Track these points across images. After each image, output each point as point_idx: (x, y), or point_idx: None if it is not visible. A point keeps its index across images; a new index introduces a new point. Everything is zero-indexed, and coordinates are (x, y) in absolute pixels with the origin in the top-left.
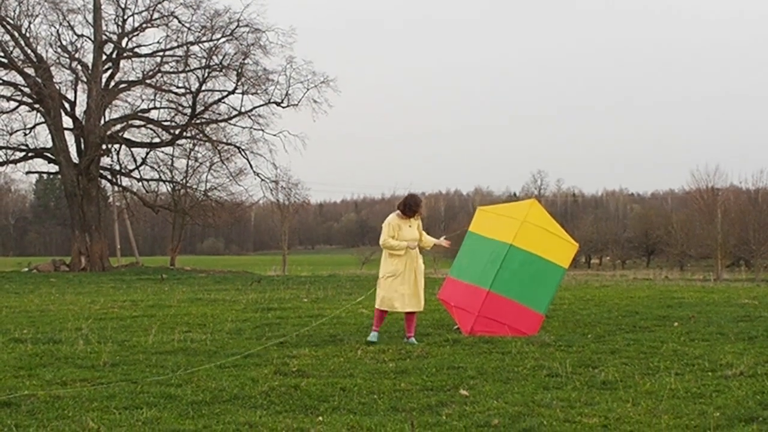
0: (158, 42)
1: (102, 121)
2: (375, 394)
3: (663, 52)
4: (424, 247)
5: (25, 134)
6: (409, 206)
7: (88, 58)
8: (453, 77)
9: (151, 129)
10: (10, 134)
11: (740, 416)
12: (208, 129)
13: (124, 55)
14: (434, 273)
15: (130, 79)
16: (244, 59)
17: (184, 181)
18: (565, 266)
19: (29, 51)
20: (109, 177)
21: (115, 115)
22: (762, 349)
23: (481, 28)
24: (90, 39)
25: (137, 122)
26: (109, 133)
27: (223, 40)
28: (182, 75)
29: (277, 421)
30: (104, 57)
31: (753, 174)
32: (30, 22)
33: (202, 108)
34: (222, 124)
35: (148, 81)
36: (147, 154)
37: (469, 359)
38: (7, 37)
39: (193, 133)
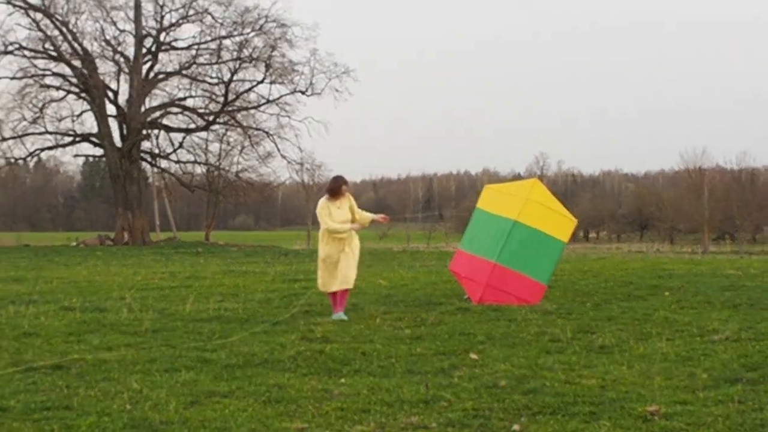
0: (193, 36)
1: (142, 109)
2: (392, 358)
3: (656, 38)
4: (362, 224)
5: (73, 121)
6: (334, 188)
7: (130, 52)
8: (462, 63)
9: (187, 116)
10: (60, 121)
11: (726, 377)
12: (239, 116)
13: (163, 48)
14: (446, 246)
15: (168, 70)
16: (271, 52)
17: (217, 163)
18: (566, 240)
19: (76, 45)
20: (149, 159)
21: (154, 103)
22: (746, 315)
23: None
24: (131, 34)
25: (174, 110)
26: (149, 119)
27: (253, 34)
28: (215, 66)
29: (303, 383)
30: (144, 50)
31: (737, 155)
32: (77, 19)
33: (234, 96)
34: (252, 111)
35: (184, 72)
36: (183, 138)
37: (478, 326)
38: (56, 32)
39: (225, 119)
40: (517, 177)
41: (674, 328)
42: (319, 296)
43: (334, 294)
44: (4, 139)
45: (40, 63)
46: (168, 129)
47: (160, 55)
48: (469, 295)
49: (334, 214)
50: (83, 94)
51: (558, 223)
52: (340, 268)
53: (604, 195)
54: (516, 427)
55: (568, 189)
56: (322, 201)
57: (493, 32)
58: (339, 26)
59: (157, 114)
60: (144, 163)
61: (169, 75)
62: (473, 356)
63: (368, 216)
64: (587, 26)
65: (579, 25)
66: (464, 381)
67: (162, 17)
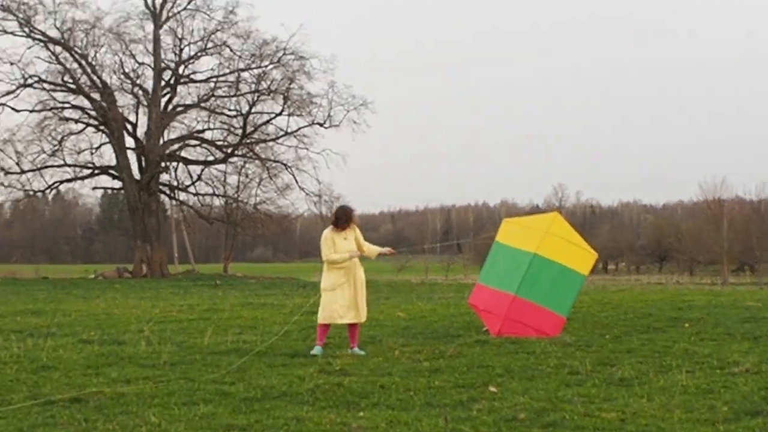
0: (212, 69)
1: (161, 141)
2: (411, 391)
3: (675, 71)
4: (368, 257)
5: (92, 153)
6: (340, 218)
7: (149, 84)
8: (478, 96)
9: (205, 148)
10: (78, 153)
11: (747, 410)
12: (257, 148)
13: (181, 81)
14: (464, 278)
15: (187, 102)
16: (290, 84)
17: (235, 195)
18: (586, 273)
19: (95, 78)
20: (168, 192)
21: (173, 136)
22: (766, 347)
23: (497, 47)
24: (150, 66)
25: (193, 142)
26: (167, 152)
27: (271, 66)
28: (234, 99)
29: (322, 416)
30: (163, 83)
31: (756, 186)
32: (96, 52)
33: (252, 129)
34: (270, 144)
35: (202, 104)
36: (202, 171)
37: (497, 358)
38: (76, 65)
39: (243, 151)
40: (536, 208)
41: (694, 360)
42: (337, 329)
43: (325, 327)
44: (23, 172)
45: (60, 96)
46: (186, 161)
47: (179, 88)
48: (488, 327)
49: (338, 245)
50: (102, 127)
51: (578, 256)
52: (348, 302)
53: (623, 226)
54: None
55: (586, 220)
56: (327, 231)
57: (510, 69)
58: (357, 58)
59: (176, 146)
60: (162, 196)
61: (187, 107)
62: (492, 389)
63: (375, 249)
64: (605, 63)
65: (597, 62)
66: (483, 414)
67: (181, 50)
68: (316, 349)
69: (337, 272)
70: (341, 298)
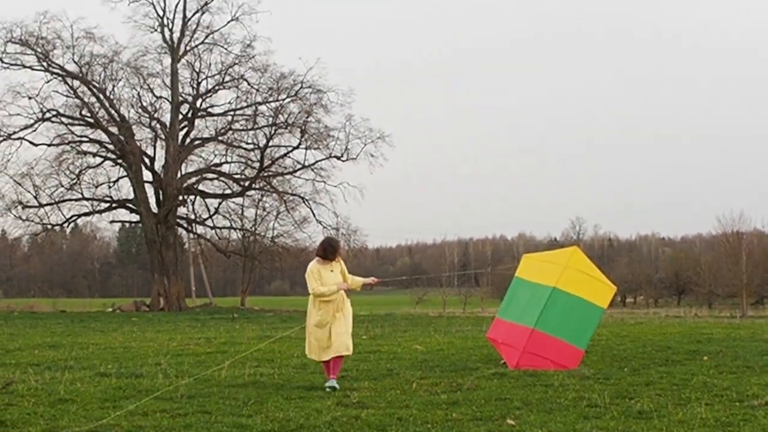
0: (229, 102)
1: (179, 175)
2: (429, 424)
3: (692, 101)
4: (354, 288)
5: (110, 187)
6: (327, 250)
7: (166, 118)
8: (496, 129)
9: (223, 181)
10: (96, 187)
11: None
12: (274, 181)
13: (199, 114)
14: (482, 311)
15: (204, 136)
16: (307, 117)
17: (253, 228)
18: (604, 307)
19: (113, 111)
20: (185, 225)
21: (190, 169)
22: None
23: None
24: (168, 100)
25: (210, 175)
26: (185, 185)
27: (288, 100)
28: (251, 132)
29: None
30: (180, 116)
31: None
32: (114, 86)
33: (269, 162)
34: (287, 177)
35: (220, 138)
36: (219, 204)
37: (515, 391)
38: (93, 99)
39: (261, 185)
40: (554, 242)
41: (713, 393)
42: (355, 361)
43: (327, 362)
44: (42, 206)
45: (78, 129)
46: (204, 195)
47: (196, 121)
48: (506, 360)
49: (325, 277)
50: (120, 161)
51: (597, 289)
52: (334, 335)
53: (641, 259)
54: None
55: (604, 253)
56: (312, 264)
57: (527, 103)
58: (374, 91)
59: (193, 180)
60: (180, 229)
61: (205, 141)
62: (510, 422)
63: (359, 280)
64: (621, 92)
65: (614, 93)
66: None
67: (198, 84)
68: (330, 382)
69: (325, 307)
70: (323, 336)
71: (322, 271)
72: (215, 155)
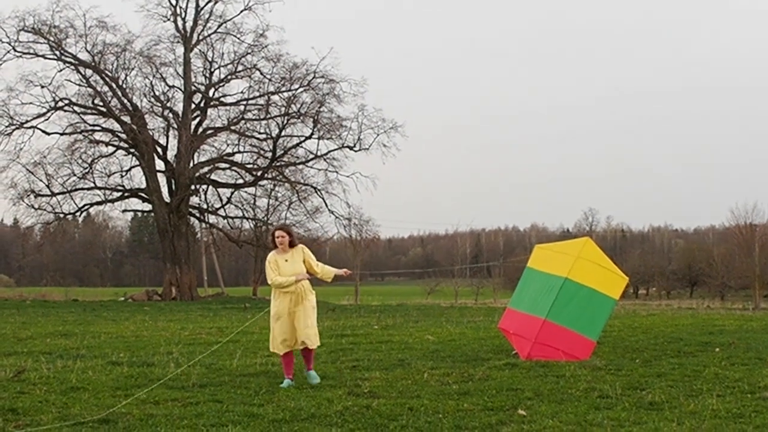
0: (242, 92)
1: (191, 164)
2: (440, 414)
3: (706, 94)
4: (323, 279)
5: (122, 176)
6: (272, 240)
7: (179, 107)
8: (509, 120)
9: (235, 171)
10: (109, 176)
11: None
12: (287, 171)
13: (211, 104)
14: (494, 302)
15: (217, 125)
16: (319, 107)
17: (265, 218)
18: (616, 298)
19: (125, 101)
20: (198, 215)
21: (202, 159)
22: None
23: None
24: (180, 90)
25: (223, 165)
26: (197, 174)
27: (301, 90)
28: (263, 122)
29: None
30: (193, 106)
31: None
32: (126, 75)
33: (282, 152)
34: (300, 167)
35: (232, 127)
36: (232, 193)
37: (526, 382)
38: (106, 88)
39: (273, 174)
40: (566, 233)
41: (725, 384)
42: (366, 351)
43: (287, 355)
44: (54, 195)
45: (90, 119)
46: (216, 184)
47: (209, 111)
48: (518, 350)
49: (282, 267)
50: (132, 150)
51: (609, 280)
52: (299, 329)
53: (654, 251)
54: None
55: (617, 245)
56: (271, 254)
57: (541, 95)
58: (387, 82)
59: (206, 169)
60: (192, 219)
61: (217, 130)
62: (521, 412)
63: (330, 270)
64: (634, 83)
65: (626, 83)
66: None
67: (211, 73)
68: (285, 383)
69: (284, 298)
70: (287, 328)
71: (279, 261)
72: (228, 145)
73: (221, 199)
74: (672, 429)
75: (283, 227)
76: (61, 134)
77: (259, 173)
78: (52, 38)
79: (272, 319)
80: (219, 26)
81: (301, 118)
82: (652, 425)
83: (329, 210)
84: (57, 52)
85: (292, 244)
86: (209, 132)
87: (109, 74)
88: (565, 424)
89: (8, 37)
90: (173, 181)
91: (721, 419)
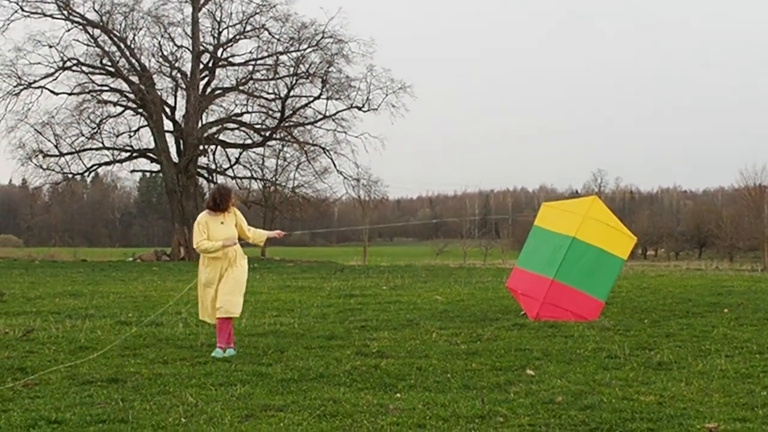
0: (250, 52)
1: (199, 125)
2: (448, 374)
3: (718, 57)
4: (255, 243)
5: (130, 136)
6: (216, 200)
7: (187, 67)
8: (518, 81)
9: (243, 131)
10: (117, 136)
11: None
12: (295, 131)
13: (220, 64)
14: (502, 263)
15: (225, 86)
16: (328, 68)
17: (273, 179)
18: (624, 258)
19: (134, 61)
20: (206, 175)
21: (211, 119)
22: None
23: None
24: (188, 50)
25: (231, 125)
26: (205, 135)
27: (310, 50)
28: (272, 82)
29: (359, 398)
30: (201, 66)
31: None
32: (134, 35)
33: (290, 112)
34: (308, 127)
35: (241, 87)
36: (240, 154)
37: (534, 342)
38: (114, 48)
39: (282, 135)
40: (575, 194)
41: (733, 345)
42: (375, 311)
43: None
44: (62, 155)
45: (98, 79)
46: (224, 144)
47: (217, 71)
48: (526, 311)
49: (214, 230)
50: (140, 110)
51: (617, 240)
52: (221, 294)
53: (663, 212)
54: None
55: (626, 206)
56: (201, 215)
57: (546, 54)
58: (396, 42)
59: (214, 129)
60: (201, 179)
61: (225, 91)
62: (530, 372)
63: (262, 233)
64: (646, 46)
65: (639, 46)
66: (520, 397)
67: (219, 33)
68: (227, 352)
69: (214, 264)
70: (212, 296)
71: (210, 224)
72: (236, 105)
73: (230, 160)
74: (680, 389)
75: (230, 189)
76: (69, 94)
77: (267, 133)
78: None
79: (202, 287)
80: None
81: (310, 78)
82: (660, 385)
83: (338, 170)
84: (65, 12)
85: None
86: (217, 92)
87: (117, 34)
88: (573, 384)
89: None
90: (181, 142)
91: (729, 379)
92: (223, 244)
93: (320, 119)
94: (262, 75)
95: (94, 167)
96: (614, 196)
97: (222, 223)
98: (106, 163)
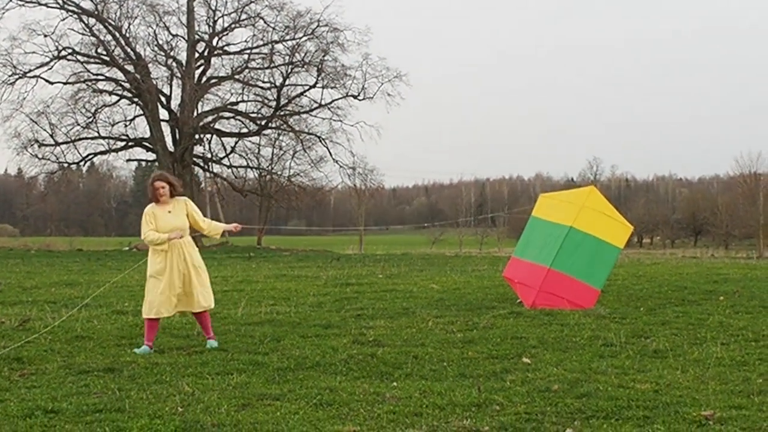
0: (246, 41)
1: (195, 113)
2: (444, 362)
3: (711, 43)
4: (210, 234)
5: (126, 125)
6: (151, 193)
7: (182, 56)
8: (514, 69)
9: (239, 120)
10: (112, 125)
11: None
12: (291, 120)
13: (215, 53)
14: (498, 251)
15: (220, 74)
16: (323, 56)
17: (269, 167)
18: (620, 246)
19: (129, 50)
20: (202, 164)
21: (206, 108)
22: None
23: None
24: (184, 38)
25: (227, 114)
26: (201, 124)
27: (305, 38)
28: (267, 71)
29: (355, 386)
30: (197, 55)
31: None
32: (129, 24)
33: (286, 101)
34: (304, 116)
35: (236, 76)
36: (236, 143)
37: (530, 330)
38: (109, 37)
39: (277, 123)
40: (571, 182)
41: (729, 332)
42: (371, 300)
43: (154, 322)
44: (58, 144)
45: (93, 68)
46: (220, 133)
47: (213, 60)
48: (522, 299)
49: (161, 220)
50: (136, 99)
51: (613, 229)
52: (194, 286)
53: (658, 200)
54: (569, 430)
55: (621, 194)
56: (149, 206)
57: (546, 38)
58: (392, 31)
59: (210, 118)
60: (196, 168)
61: (221, 79)
62: (526, 360)
63: (218, 225)
64: (641, 33)
65: (634, 31)
66: (517, 385)
67: (214, 22)
68: (143, 349)
69: (161, 255)
70: (166, 288)
71: (158, 214)
72: (232, 94)
73: (225, 149)
74: (676, 377)
75: (162, 176)
76: (65, 83)
77: (263, 122)
78: None
79: (150, 281)
80: None
81: (305, 67)
82: (656, 373)
83: (333, 159)
84: (60, 1)
85: (173, 194)
86: (213, 81)
87: (112, 23)
88: (569, 372)
89: None
90: (177, 131)
91: (725, 367)
92: (169, 237)
93: (316, 108)
94: (258, 64)
95: (90, 156)
96: (610, 184)
97: (169, 212)
98: (102, 153)
